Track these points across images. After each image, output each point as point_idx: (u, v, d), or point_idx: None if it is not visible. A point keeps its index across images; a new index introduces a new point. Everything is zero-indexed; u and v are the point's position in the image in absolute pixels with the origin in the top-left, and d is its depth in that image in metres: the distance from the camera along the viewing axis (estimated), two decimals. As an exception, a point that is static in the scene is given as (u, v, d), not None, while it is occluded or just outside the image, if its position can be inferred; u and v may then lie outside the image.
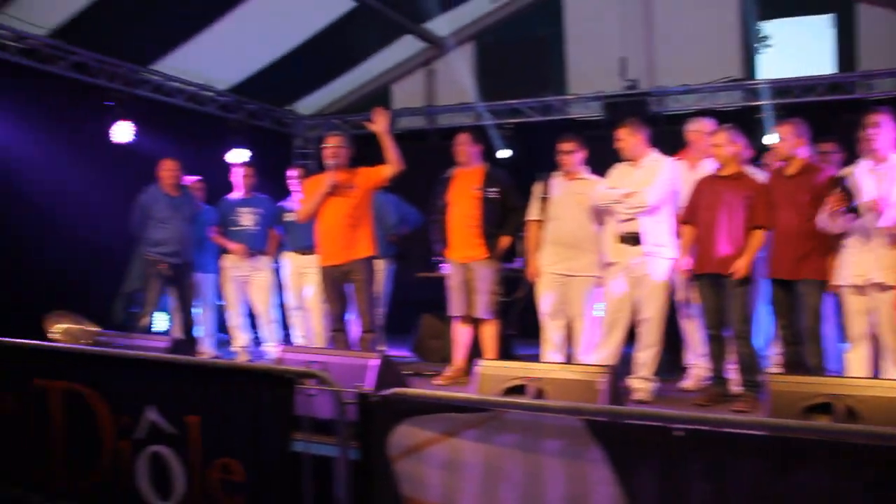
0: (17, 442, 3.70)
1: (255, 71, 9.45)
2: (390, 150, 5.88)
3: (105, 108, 8.01)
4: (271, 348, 7.55)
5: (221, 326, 8.13)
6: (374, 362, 4.33)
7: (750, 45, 9.12)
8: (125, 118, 8.08)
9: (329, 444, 3.14)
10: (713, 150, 5.49)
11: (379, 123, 5.89)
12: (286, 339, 7.79)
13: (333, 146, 6.07)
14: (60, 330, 6.24)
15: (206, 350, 7.64)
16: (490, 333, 6.35)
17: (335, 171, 6.02)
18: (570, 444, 3.04)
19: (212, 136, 9.30)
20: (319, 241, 6.14)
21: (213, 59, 8.82)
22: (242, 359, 7.32)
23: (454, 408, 3.22)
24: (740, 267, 5.20)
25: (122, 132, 8.09)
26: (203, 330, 7.71)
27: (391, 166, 5.91)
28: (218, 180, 8.16)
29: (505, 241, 6.37)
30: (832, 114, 7.95)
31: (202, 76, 9.12)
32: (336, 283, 6.03)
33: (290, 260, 7.56)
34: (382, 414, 3.05)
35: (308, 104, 10.88)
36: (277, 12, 8.42)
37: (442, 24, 9.94)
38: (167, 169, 7.17)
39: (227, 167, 8.59)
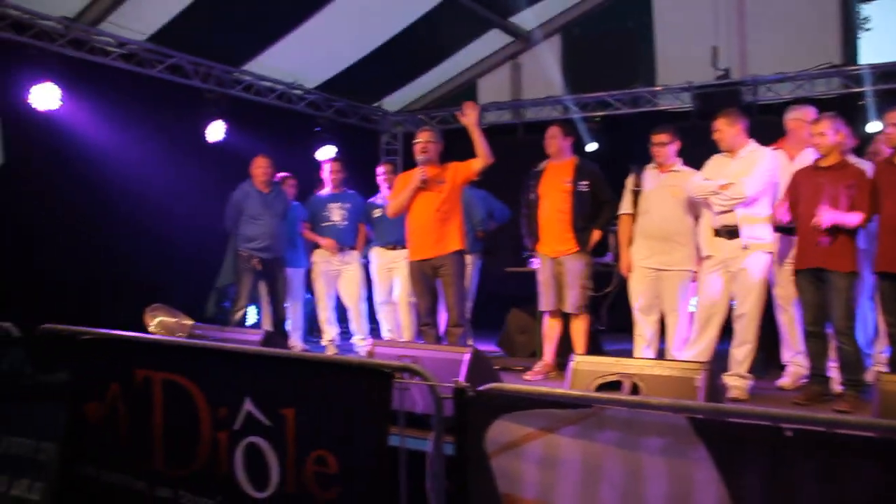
0: (121, 429, 3.77)
1: (343, 68, 9.51)
2: (480, 142, 5.81)
3: (199, 108, 8.17)
4: (359, 342, 7.59)
5: (310, 321, 8.21)
6: (466, 357, 4.28)
7: (850, 29, 8.67)
8: (218, 117, 8.22)
9: (423, 439, 3.09)
10: (814, 139, 5.22)
11: (469, 116, 5.82)
12: (373, 333, 7.81)
13: (424, 141, 6.03)
14: (156, 322, 6.39)
15: (296, 343, 7.72)
16: (580, 328, 6.23)
17: (425, 165, 5.98)
18: (673, 442, 2.92)
19: (301, 134, 9.40)
20: (409, 235, 6.12)
21: (302, 58, 8.90)
22: (330, 352, 7.36)
23: (552, 403, 3.13)
24: (824, 217, 4.92)
25: (216, 131, 8.24)
26: (292, 324, 7.80)
27: (481, 159, 5.84)
28: (307, 177, 8.26)
29: (596, 235, 6.24)
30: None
31: (292, 75, 9.22)
32: (426, 278, 6.00)
33: (377, 255, 7.58)
34: (479, 409, 2.97)
35: (395, 100, 10.91)
36: (365, 10, 8.44)
37: (528, 18, 9.82)
38: (259, 166, 7.27)
39: (316, 164, 8.67)
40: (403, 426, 3.08)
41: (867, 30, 8.68)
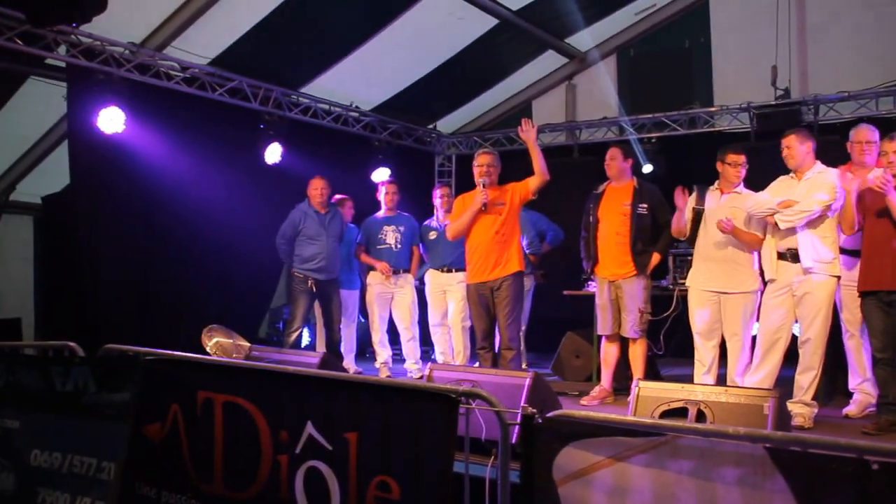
0: (182, 451, 3.73)
1: (399, 91, 9.50)
2: (537, 159, 5.75)
3: (258, 131, 8.22)
4: (412, 365, 7.51)
5: (361, 343, 8.16)
6: (527, 381, 4.17)
7: None
8: (276, 140, 8.26)
9: (487, 465, 2.99)
10: (881, 159, 5.03)
11: (528, 132, 5.77)
12: (424, 357, 7.73)
13: (485, 164, 5.97)
14: (213, 343, 6.39)
15: (349, 366, 7.66)
16: (639, 353, 6.07)
17: (487, 188, 5.91)
18: (749, 472, 2.79)
19: (357, 156, 9.41)
20: (469, 258, 6.04)
21: (358, 81, 8.91)
22: (383, 375, 7.29)
23: (623, 431, 3.01)
24: None
25: (274, 153, 8.28)
26: (345, 346, 7.75)
27: (538, 177, 5.78)
28: (362, 199, 8.24)
29: (655, 259, 6.10)
30: None
31: (348, 97, 9.24)
32: (483, 300, 5.91)
33: (432, 277, 7.51)
34: (547, 436, 2.87)
35: (449, 122, 10.88)
36: (420, 33, 8.44)
37: (584, 39, 9.73)
38: (316, 187, 7.26)
39: (371, 186, 8.66)
40: (468, 452, 2.99)
41: None
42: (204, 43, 7.65)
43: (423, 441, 2.89)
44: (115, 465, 3.87)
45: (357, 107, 9.42)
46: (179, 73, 7.74)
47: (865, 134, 5.51)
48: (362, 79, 8.89)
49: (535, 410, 2.80)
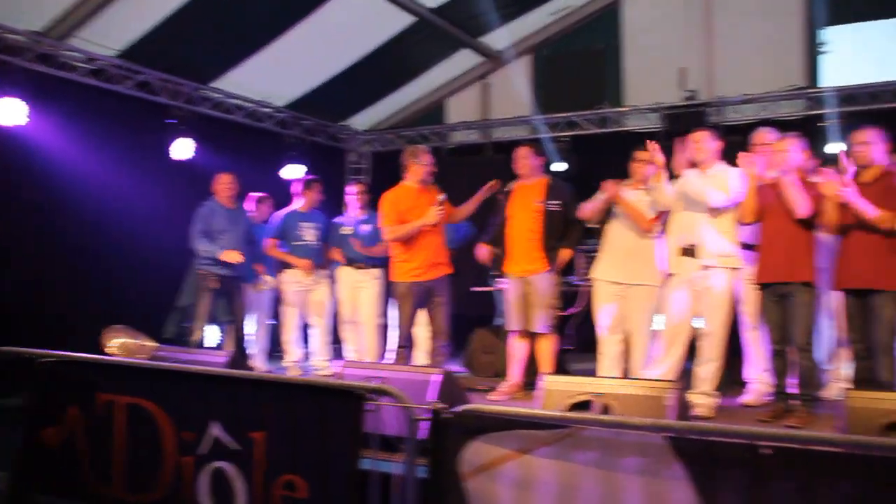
0: (80, 455, 3.59)
1: (312, 87, 9.37)
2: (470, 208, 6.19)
3: (166, 126, 7.99)
4: (322, 363, 7.42)
5: (272, 341, 8.00)
6: (437, 378, 4.16)
7: (813, 53, 8.81)
8: (185, 135, 8.04)
9: (396, 462, 2.97)
10: (776, 157, 5.21)
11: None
12: (336, 354, 7.65)
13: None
14: (117, 344, 6.18)
15: (259, 365, 7.51)
16: (548, 348, 6.14)
17: (443, 204, 6.01)
18: (650, 461, 2.86)
19: (269, 152, 9.25)
20: (409, 257, 5.98)
21: (271, 76, 8.76)
22: (294, 374, 7.17)
23: (529, 424, 3.04)
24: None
25: (182, 149, 8.07)
26: (257, 345, 7.61)
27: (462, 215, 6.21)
28: (274, 196, 8.08)
29: (565, 255, 6.16)
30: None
31: (261, 93, 9.08)
32: (419, 299, 5.93)
33: (344, 274, 7.43)
34: (455, 431, 2.88)
35: (363, 119, 10.79)
36: (335, 29, 8.34)
37: (499, 38, 9.77)
38: (222, 182, 7.09)
39: (283, 183, 8.52)
40: (376, 449, 2.97)
41: (831, 53, 8.75)
42: (111, 34, 7.39)
43: (331, 439, 2.86)
44: (5, 474, 3.70)
45: (269, 102, 9.25)
46: (85, 64, 7.46)
47: (763, 136, 5.73)
48: (276, 74, 8.74)
49: (443, 406, 2.80)
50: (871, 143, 4.95)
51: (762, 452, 2.66)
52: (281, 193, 8.00)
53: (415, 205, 6.01)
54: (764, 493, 2.65)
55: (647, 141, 5.73)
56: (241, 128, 9.00)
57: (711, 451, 2.77)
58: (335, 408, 2.85)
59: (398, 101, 10.63)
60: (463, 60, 10.19)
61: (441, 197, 5.98)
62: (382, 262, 7.24)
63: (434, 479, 2.90)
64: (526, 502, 2.95)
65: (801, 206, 4.95)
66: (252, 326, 7.53)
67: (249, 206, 7.61)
